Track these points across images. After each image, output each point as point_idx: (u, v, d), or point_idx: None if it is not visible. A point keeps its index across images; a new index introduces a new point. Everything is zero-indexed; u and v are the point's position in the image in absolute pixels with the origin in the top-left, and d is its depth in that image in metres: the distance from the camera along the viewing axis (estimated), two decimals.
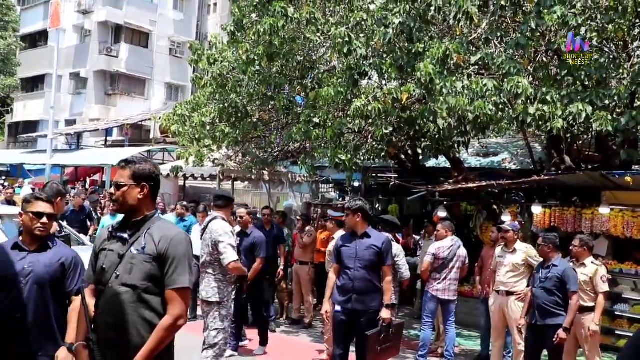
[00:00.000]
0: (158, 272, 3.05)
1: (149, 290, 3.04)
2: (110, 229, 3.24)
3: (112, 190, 3.19)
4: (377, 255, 5.96)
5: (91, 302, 3.17)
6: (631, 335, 8.93)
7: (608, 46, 8.32)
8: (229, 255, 5.93)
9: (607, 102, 7.11)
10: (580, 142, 10.61)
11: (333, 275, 6.24)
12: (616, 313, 9.26)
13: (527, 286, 7.29)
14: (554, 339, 6.27)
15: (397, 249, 7.05)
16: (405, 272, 6.93)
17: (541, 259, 7.32)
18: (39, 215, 3.87)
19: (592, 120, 6.97)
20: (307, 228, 10.21)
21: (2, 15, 37.03)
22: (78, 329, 3.19)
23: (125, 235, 3.15)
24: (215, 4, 40.94)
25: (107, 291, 3.07)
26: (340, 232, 7.58)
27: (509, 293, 7.44)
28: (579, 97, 7.10)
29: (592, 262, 7.06)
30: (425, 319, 8.18)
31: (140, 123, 28.63)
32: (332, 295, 6.20)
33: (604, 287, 6.91)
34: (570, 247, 7.21)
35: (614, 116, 7.14)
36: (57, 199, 4.94)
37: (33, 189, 15.85)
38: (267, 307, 8.86)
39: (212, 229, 6.16)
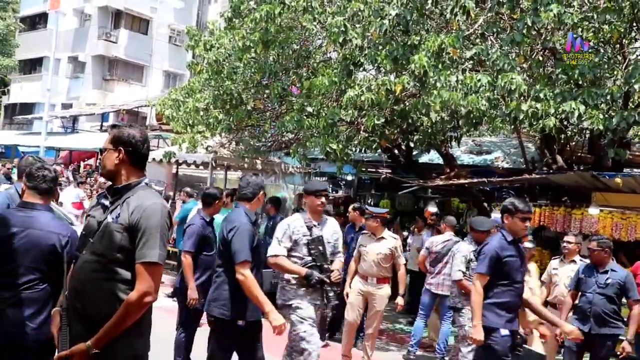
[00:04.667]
0: (128, 243, 2.90)
1: (117, 261, 2.90)
2: (98, 196, 3.20)
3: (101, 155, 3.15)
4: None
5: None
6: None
7: (603, 47, 8.31)
8: (268, 250, 5.31)
9: (599, 101, 7.11)
10: (574, 143, 10.63)
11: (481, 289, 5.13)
12: None
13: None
14: (620, 353, 6.01)
15: None
16: None
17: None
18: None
19: (583, 119, 6.98)
20: None
21: None
22: (61, 294, 3.12)
23: (107, 202, 3.06)
24: None
25: (80, 258, 2.99)
26: (387, 232, 7.38)
27: None
28: (571, 96, 7.10)
29: (581, 260, 7.07)
30: (419, 310, 8.28)
31: (136, 109, 28.55)
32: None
33: None
34: (564, 244, 7.26)
35: (606, 116, 7.14)
36: None
37: None
38: None
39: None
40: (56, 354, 2.93)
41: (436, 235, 9.17)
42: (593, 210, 9.20)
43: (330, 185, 17.81)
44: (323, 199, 5.31)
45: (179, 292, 6.15)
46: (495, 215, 9.63)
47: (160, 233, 2.94)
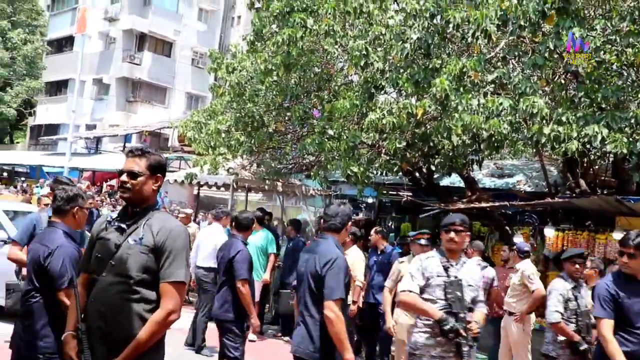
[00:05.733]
0: (154, 264, 2.99)
1: (143, 282, 2.97)
2: (109, 218, 3.19)
3: (125, 177, 3.08)
4: None
5: (82, 291, 3.12)
6: None
7: (627, 70, 8.24)
8: (400, 285, 4.81)
9: (623, 125, 7.02)
10: (597, 167, 10.51)
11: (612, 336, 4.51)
12: None
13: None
14: None
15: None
16: None
17: (533, 280, 7.19)
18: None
19: (607, 143, 6.90)
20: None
21: (31, 20, 37.81)
22: (69, 317, 3.14)
23: (124, 225, 3.09)
24: (239, 17, 41.33)
25: (101, 280, 3.02)
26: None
27: (510, 313, 7.38)
28: (594, 119, 7.04)
29: None
30: None
31: (158, 131, 28.85)
32: None
33: None
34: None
35: (630, 139, 7.05)
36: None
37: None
38: None
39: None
40: None
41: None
42: (617, 235, 9.06)
43: (351, 208, 17.75)
44: (452, 235, 4.48)
45: (235, 321, 5.79)
46: (517, 239, 9.53)
47: (186, 254, 3.07)
